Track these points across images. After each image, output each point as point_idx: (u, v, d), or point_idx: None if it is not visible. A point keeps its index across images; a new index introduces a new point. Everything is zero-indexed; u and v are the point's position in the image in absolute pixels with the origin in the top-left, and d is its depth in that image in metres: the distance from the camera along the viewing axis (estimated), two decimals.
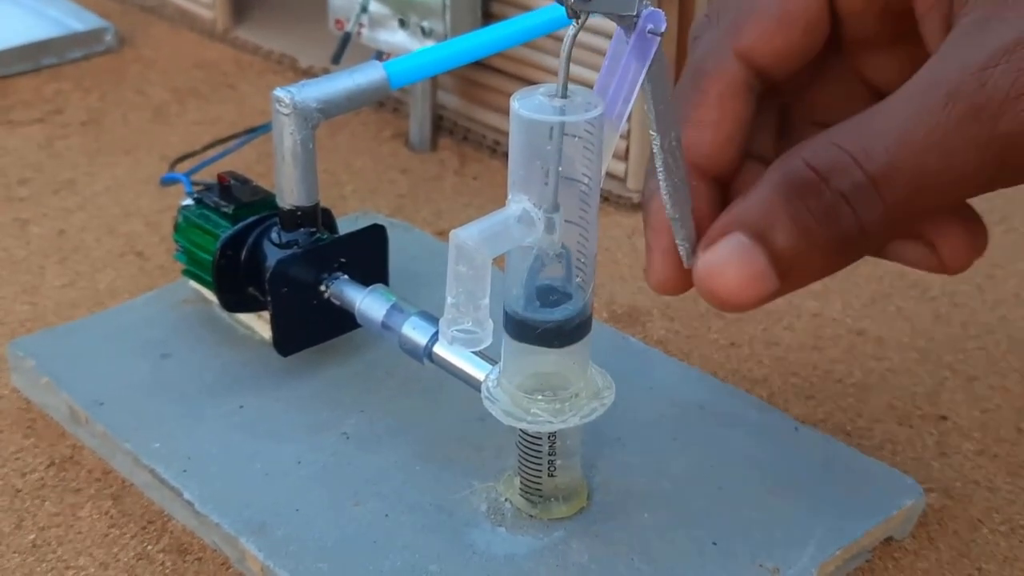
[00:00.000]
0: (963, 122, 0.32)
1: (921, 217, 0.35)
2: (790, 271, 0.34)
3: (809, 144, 0.34)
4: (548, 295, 0.41)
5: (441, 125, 0.80)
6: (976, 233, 0.37)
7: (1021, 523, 0.48)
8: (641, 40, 0.38)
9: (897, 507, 0.46)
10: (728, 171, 0.39)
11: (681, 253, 0.38)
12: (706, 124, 0.38)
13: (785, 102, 0.41)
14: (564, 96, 0.39)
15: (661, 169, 0.36)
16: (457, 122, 0.80)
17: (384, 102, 0.84)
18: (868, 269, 0.66)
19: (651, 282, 0.39)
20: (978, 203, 0.65)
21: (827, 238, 0.33)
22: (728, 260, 0.34)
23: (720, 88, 0.38)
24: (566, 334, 0.42)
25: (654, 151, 0.36)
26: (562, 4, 0.36)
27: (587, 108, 0.39)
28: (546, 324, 0.41)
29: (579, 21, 0.36)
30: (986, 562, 0.47)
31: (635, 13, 0.37)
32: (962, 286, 0.64)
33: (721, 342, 0.59)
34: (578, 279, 0.41)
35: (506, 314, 0.42)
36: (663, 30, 0.37)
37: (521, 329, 0.42)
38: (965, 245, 0.37)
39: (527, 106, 0.39)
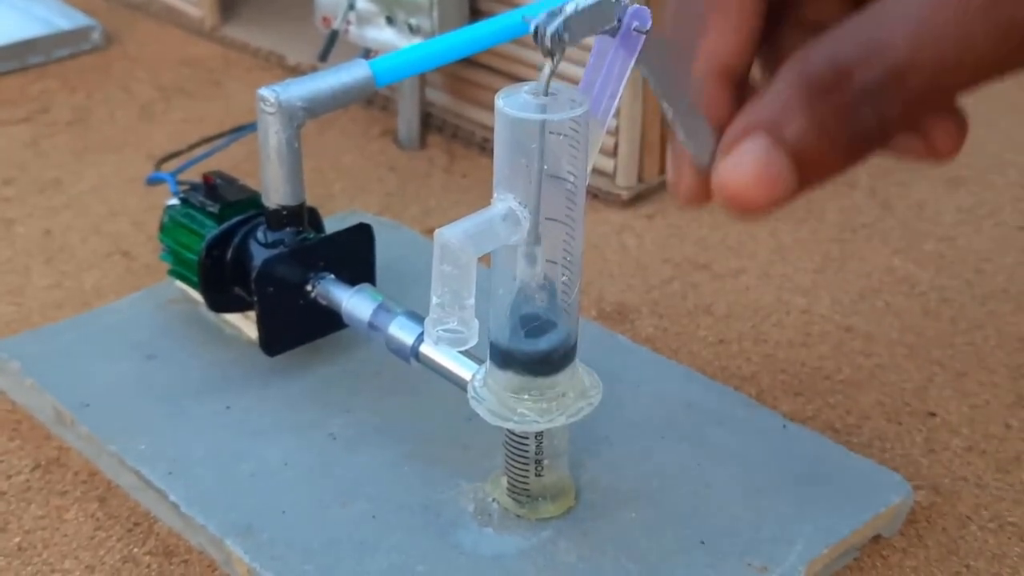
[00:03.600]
0: (982, 8, 0.31)
1: (937, 105, 0.35)
2: (809, 169, 0.34)
3: (827, 39, 0.34)
4: (532, 323, 0.41)
5: (430, 122, 0.80)
6: (962, 119, 0.37)
7: (1009, 520, 0.48)
8: (627, 38, 0.38)
9: (885, 504, 0.46)
10: (746, 74, 0.39)
11: None
12: (728, 29, 0.38)
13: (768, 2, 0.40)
14: (548, 94, 0.38)
15: (683, 135, 0.36)
16: (446, 119, 0.80)
17: (373, 99, 0.84)
18: (857, 265, 0.66)
19: (679, 193, 0.39)
20: (967, 197, 0.64)
21: (847, 134, 0.33)
22: (746, 160, 0.34)
23: None
24: (552, 363, 0.42)
25: (669, 119, 0.36)
26: (539, 44, 0.36)
27: (572, 106, 0.39)
28: (531, 355, 0.41)
29: (556, 59, 0.36)
30: (974, 559, 0.46)
31: (616, 23, 0.37)
32: (951, 281, 0.64)
33: (710, 339, 0.59)
34: (564, 305, 0.41)
35: (491, 344, 0.42)
36: (649, 27, 0.37)
37: (506, 359, 0.42)
38: (955, 131, 0.37)
39: (512, 104, 0.39)
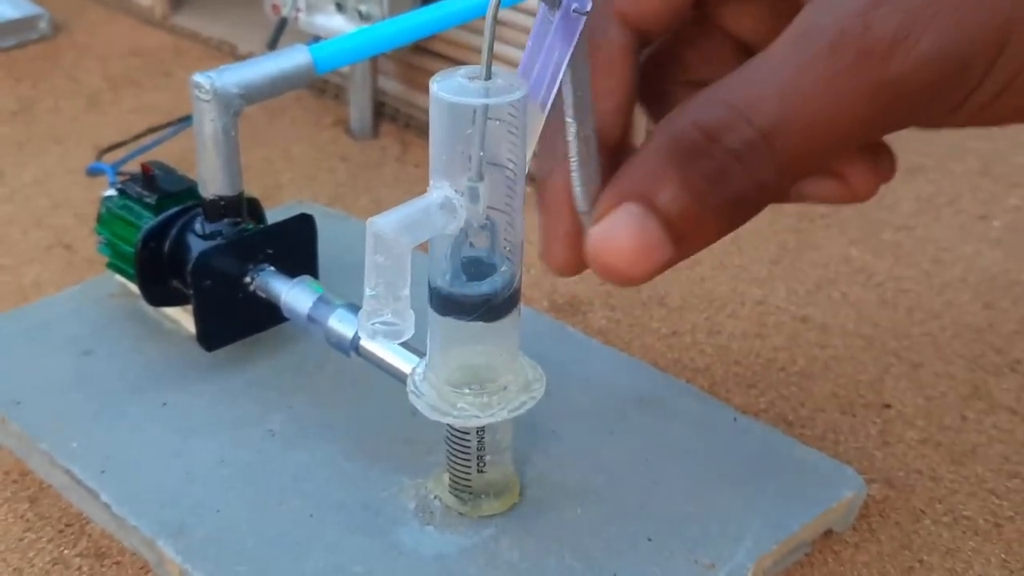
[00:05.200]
0: (851, 69, 0.30)
1: (815, 167, 0.34)
2: (685, 236, 0.33)
3: (695, 103, 0.33)
4: (474, 267, 0.40)
5: (383, 111, 0.79)
6: (881, 156, 0.36)
7: (964, 513, 0.47)
8: (566, 20, 0.36)
9: (837, 499, 0.45)
10: (623, 139, 0.38)
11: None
12: (601, 94, 0.37)
13: (654, 62, 0.39)
14: (488, 78, 0.37)
15: (575, 159, 0.35)
16: (399, 108, 0.78)
17: (325, 88, 0.82)
18: (813, 255, 0.65)
19: (551, 265, 0.38)
20: (926, 185, 0.63)
21: (721, 199, 0.32)
22: (620, 232, 0.32)
23: (609, 55, 0.37)
24: (494, 308, 0.40)
25: (568, 139, 0.35)
26: None
27: (510, 90, 0.37)
28: (473, 298, 0.39)
29: None
30: (928, 554, 0.46)
31: (558, 3, 0.35)
32: (909, 271, 0.63)
33: (663, 331, 0.58)
34: (506, 249, 0.39)
35: (431, 289, 0.40)
36: (588, 9, 0.36)
37: (447, 304, 0.40)
38: (872, 171, 0.36)
39: (447, 88, 0.37)
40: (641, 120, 0.38)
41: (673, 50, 0.39)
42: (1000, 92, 0.31)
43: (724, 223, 0.33)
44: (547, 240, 0.37)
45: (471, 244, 0.39)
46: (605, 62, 0.37)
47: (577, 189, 0.35)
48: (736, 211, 0.33)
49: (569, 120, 0.35)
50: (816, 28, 0.31)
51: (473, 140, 0.37)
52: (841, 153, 0.34)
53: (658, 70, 0.39)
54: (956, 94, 0.31)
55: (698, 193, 0.32)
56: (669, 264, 0.33)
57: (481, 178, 0.38)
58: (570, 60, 0.35)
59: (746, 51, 0.37)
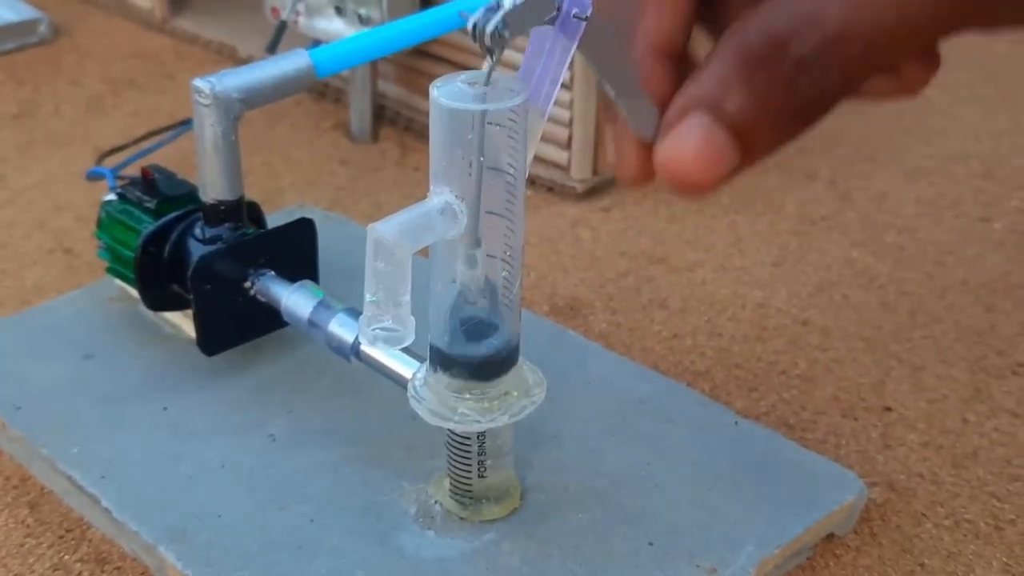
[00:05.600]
0: None
1: (881, 69, 0.35)
2: (751, 144, 0.33)
3: (760, 12, 0.33)
4: (473, 327, 0.40)
5: (383, 115, 0.79)
6: (932, 57, 0.37)
7: (965, 517, 0.47)
8: (567, 25, 0.36)
9: (838, 503, 0.45)
10: (685, 51, 0.38)
11: None
12: (665, 6, 0.37)
13: None
14: (487, 83, 0.37)
15: (626, 114, 0.35)
16: (399, 112, 0.78)
17: (325, 92, 0.82)
18: (815, 258, 0.65)
19: (623, 176, 0.38)
20: (927, 188, 0.63)
21: (787, 106, 0.33)
22: (688, 141, 0.33)
23: None
24: (492, 367, 0.40)
25: (614, 100, 0.35)
26: (478, 42, 0.35)
27: (510, 95, 0.37)
28: (472, 360, 0.40)
29: (495, 57, 0.35)
30: (929, 557, 0.45)
31: (556, 11, 0.35)
32: (911, 274, 0.63)
33: (664, 334, 0.58)
34: (504, 300, 0.40)
35: (431, 347, 0.40)
36: (588, 14, 0.36)
37: (446, 364, 0.40)
38: (924, 68, 0.36)
39: (447, 94, 0.37)
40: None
41: None
42: None
43: (790, 129, 0.33)
44: (618, 151, 0.37)
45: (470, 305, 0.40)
46: None
47: (636, 129, 0.35)
48: (803, 117, 0.33)
49: (607, 86, 0.35)
50: None
51: (473, 148, 0.37)
52: (906, 55, 0.34)
53: None
54: None
55: (764, 101, 0.32)
56: (738, 171, 0.33)
57: (479, 244, 0.38)
58: (589, 52, 0.35)
59: None
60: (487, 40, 0.35)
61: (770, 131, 0.33)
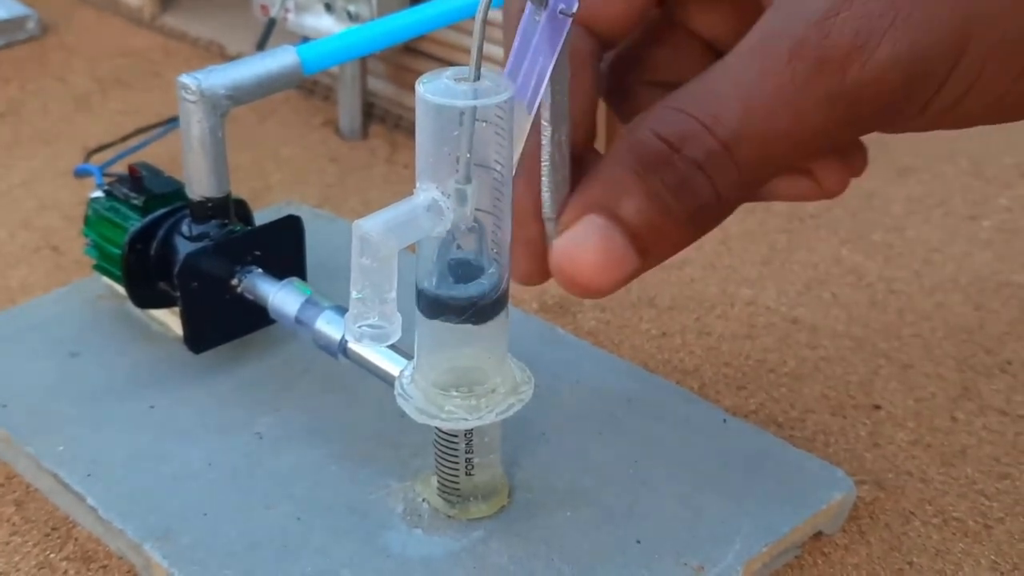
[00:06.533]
0: (810, 77, 0.30)
1: (777, 173, 0.34)
2: (650, 247, 0.33)
3: (656, 112, 0.33)
4: (462, 270, 0.39)
5: (372, 112, 0.79)
6: (852, 152, 0.36)
7: (954, 515, 0.47)
8: (553, 20, 0.36)
9: (826, 501, 0.45)
10: (586, 147, 0.37)
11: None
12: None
13: (620, 62, 0.39)
14: (476, 79, 0.37)
15: (547, 164, 0.34)
16: (389, 109, 0.78)
17: (314, 89, 0.82)
18: (804, 256, 0.65)
19: (515, 275, 0.38)
20: (916, 186, 0.63)
21: (685, 208, 0.32)
22: (585, 244, 0.32)
23: (572, 60, 0.37)
24: (482, 310, 0.40)
25: (543, 143, 0.34)
26: None
27: (497, 91, 0.37)
28: (461, 300, 0.39)
29: None
30: (918, 555, 0.45)
31: (544, 4, 0.35)
32: (899, 272, 0.63)
33: (653, 332, 0.58)
34: (493, 251, 0.39)
35: (418, 291, 0.40)
36: (575, 10, 0.36)
37: (434, 306, 0.40)
38: (841, 167, 0.36)
39: (433, 90, 0.37)
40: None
41: (639, 50, 0.39)
42: (963, 95, 0.31)
43: (689, 232, 0.33)
44: (513, 251, 0.37)
45: (458, 246, 0.39)
46: (571, 69, 0.36)
47: (546, 195, 0.35)
48: (701, 219, 0.33)
49: (545, 123, 0.34)
50: (775, 34, 0.31)
51: (461, 142, 0.37)
52: (805, 159, 0.34)
53: (624, 70, 0.39)
54: (917, 100, 0.31)
55: (662, 204, 0.32)
56: (635, 274, 0.33)
57: (469, 180, 0.38)
58: (558, 58, 0.35)
59: (712, 50, 0.37)
60: None
61: (667, 234, 0.32)
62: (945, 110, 0.32)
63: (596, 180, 0.33)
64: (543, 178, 0.35)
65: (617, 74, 0.39)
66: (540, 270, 0.36)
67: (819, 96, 0.30)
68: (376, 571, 0.42)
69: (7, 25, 0.89)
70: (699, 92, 0.32)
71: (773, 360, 0.56)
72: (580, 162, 0.36)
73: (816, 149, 0.32)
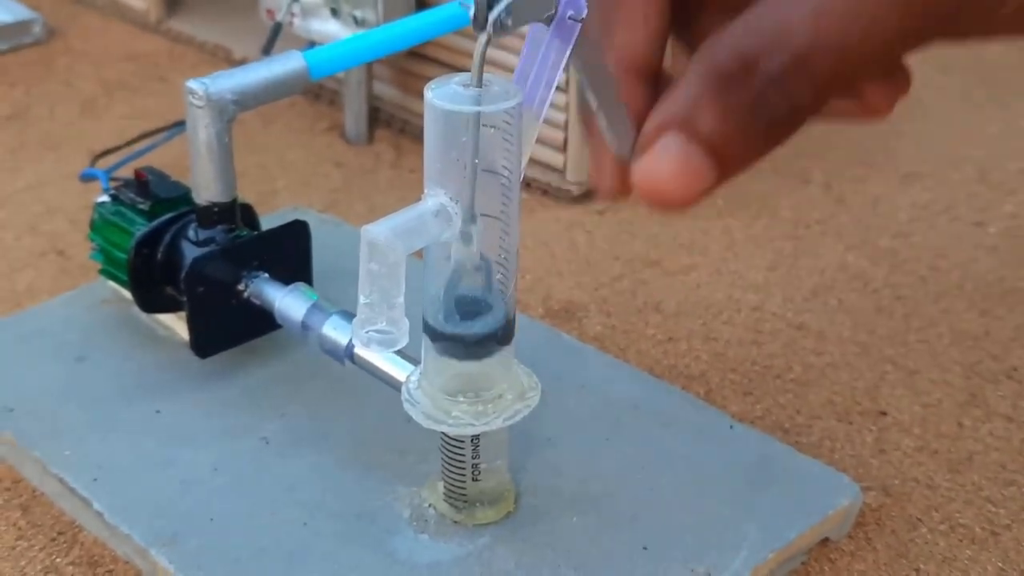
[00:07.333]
0: None
1: (850, 84, 0.35)
2: (726, 161, 0.33)
3: (731, 31, 0.33)
4: (468, 306, 0.40)
5: (378, 117, 0.79)
6: (897, 73, 0.37)
7: (960, 521, 0.47)
8: (562, 27, 0.36)
9: (833, 507, 0.45)
10: (659, 66, 0.38)
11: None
12: (636, 23, 0.37)
13: None
14: (480, 85, 0.37)
15: (605, 127, 0.35)
16: (394, 114, 0.78)
17: (320, 94, 0.82)
18: (810, 262, 0.65)
19: (601, 192, 0.38)
20: (922, 192, 0.63)
21: (760, 123, 0.33)
22: (664, 162, 0.33)
23: None
24: (487, 346, 0.40)
25: (594, 111, 0.35)
26: (477, 26, 0.35)
27: (504, 97, 0.37)
28: (466, 338, 0.40)
29: (485, 43, 0.35)
30: (924, 562, 0.45)
31: (555, 10, 0.35)
32: (905, 278, 0.63)
33: (659, 337, 0.58)
34: (499, 285, 0.39)
35: (425, 322, 0.40)
36: (584, 15, 0.36)
37: (440, 342, 0.40)
38: (889, 87, 0.36)
39: (442, 96, 0.37)
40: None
41: None
42: None
43: (764, 146, 0.34)
44: (596, 165, 0.37)
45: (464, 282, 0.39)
46: None
47: (613, 144, 0.35)
48: (775, 133, 0.34)
49: (589, 95, 0.35)
50: None
51: (468, 150, 0.37)
52: (876, 69, 0.34)
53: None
54: None
55: (738, 119, 0.33)
56: (714, 187, 0.34)
57: (474, 220, 0.38)
58: (579, 56, 0.35)
59: None
60: (489, 28, 0.34)
61: (743, 148, 0.33)
62: (1020, 9, 0.32)
63: (673, 99, 0.34)
64: (605, 134, 0.35)
65: (680, 3, 0.39)
66: (624, 187, 0.36)
67: (891, 1, 0.31)
68: None
69: (13, 29, 0.89)
70: (771, 8, 0.33)
71: (779, 366, 0.56)
72: (654, 85, 0.36)
73: (888, 56, 0.33)
